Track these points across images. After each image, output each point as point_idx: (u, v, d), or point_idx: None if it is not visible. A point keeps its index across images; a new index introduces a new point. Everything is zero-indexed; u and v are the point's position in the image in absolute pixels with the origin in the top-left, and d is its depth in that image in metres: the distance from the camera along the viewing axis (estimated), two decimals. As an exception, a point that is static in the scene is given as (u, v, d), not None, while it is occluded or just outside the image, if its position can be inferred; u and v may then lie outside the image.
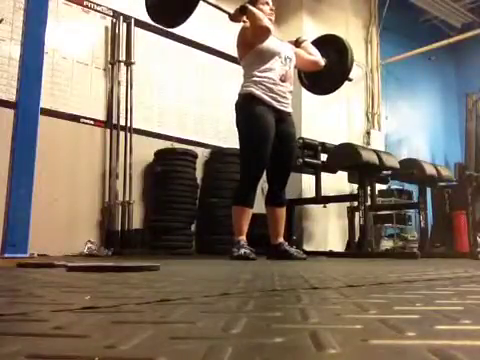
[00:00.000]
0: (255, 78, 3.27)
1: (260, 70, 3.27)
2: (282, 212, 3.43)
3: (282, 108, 3.32)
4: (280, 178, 3.44)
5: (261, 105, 3.23)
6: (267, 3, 3.41)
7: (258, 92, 3.24)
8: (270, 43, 3.31)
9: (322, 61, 3.59)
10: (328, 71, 3.68)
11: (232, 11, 3.29)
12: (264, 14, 3.29)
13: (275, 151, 3.30)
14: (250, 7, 3.22)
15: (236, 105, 3.34)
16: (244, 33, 3.31)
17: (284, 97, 3.33)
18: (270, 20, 3.34)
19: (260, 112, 3.22)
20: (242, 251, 3.11)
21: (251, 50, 3.29)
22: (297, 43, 3.64)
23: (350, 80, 3.92)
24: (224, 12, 3.36)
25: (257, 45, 3.27)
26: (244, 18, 3.26)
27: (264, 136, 3.23)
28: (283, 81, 3.32)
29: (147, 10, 3.35)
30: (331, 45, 3.83)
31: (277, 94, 3.29)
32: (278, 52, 3.32)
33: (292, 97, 3.45)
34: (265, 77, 3.26)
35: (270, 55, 3.29)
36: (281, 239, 3.39)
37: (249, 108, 3.25)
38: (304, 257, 3.28)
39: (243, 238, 3.21)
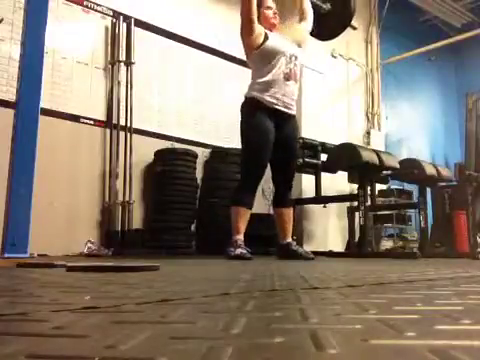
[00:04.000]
0: (259, 79, 3.31)
1: (264, 71, 3.31)
2: (289, 212, 3.50)
3: (285, 110, 3.35)
4: (284, 180, 3.50)
5: (262, 110, 3.27)
6: (270, 8, 3.51)
7: (261, 95, 3.28)
8: (275, 42, 3.35)
9: (308, 31, 3.68)
10: (332, 17, 3.74)
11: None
12: (267, 18, 3.44)
13: (278, 154, 3.35)
14: None
15: (241, 108, 3.40)
16: (241, 33, 3.35)
17: (288, 97, 3.35)
18: (274, 23, 3.47)
19: (260, 118, 3.27)
20: (238, 251, 3.15)
21: (255, 51, 3.33)
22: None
23: (354, 28, 3.96)
24: None
25: (252, 41, 3.30)
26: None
27: (262, 141, 3.28)
28: (287, 79, 3.34)
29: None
30: None
31: (281, 95, 3.31)
32: (283, 51, 3.35)
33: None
34: (269, 79, 3.29)
35: (274, 54, 3.32)
36: (289, 239, 3.44)
37: (250, 113, 3.32)
38: (312, 257, 3.31)
39: (240, 238, 3.25)
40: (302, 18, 3.67)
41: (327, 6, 3.72)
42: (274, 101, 3.29)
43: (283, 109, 3.33)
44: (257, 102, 3.28)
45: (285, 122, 3.37)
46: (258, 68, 3.35)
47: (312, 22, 3.66)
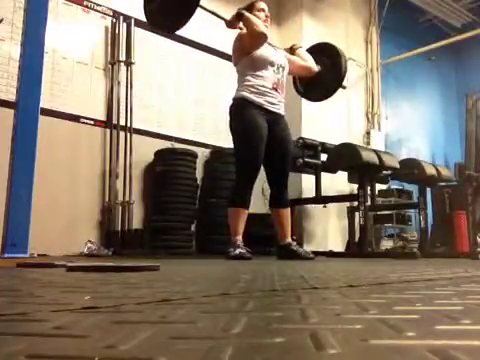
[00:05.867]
0: (247, 83, 3.32)
1: (253, 77, 3.32)
2: (286, 213, 3.47)
3: (274, 110, 3.36)
4: (279, 180, 3.47)
5: (253, 108, 3.28)
6: (263, 10, 3.47)
7: (250, 95, 3.29)
8: (264, 51, 3.35)
9: (315, 67, 3.65)
10: (322, 78, 3.72)
11: (228, 18, 3.33)
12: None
13: (272, 154, 3.36)
14: (246, 13, 3.26)
15: (230, 109, 3.40)
16: (240, 39, 3.35)
17: (276, 105, 3.38)
18: (265, 27, 3.38)
19: (252, 115, 3.28)
20: (237, 251, 3.15)
21: (245, 57, 3.33)
22: (291, 50, 3.69)
23: (344, 87, 3.94)
24: (221, 19, 3.37)
25: (253, 52, 3.31)
26: (240, 24, 3.30)
27: (256, 136, 3.28)
28: (275, 89, 3.36)
29: (147, 18, 3.37)
30: (325, 53, 3.86)
31: (269, 98, 3.34)
32: (271, 61, 3.36)
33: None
34: (257, 83, 3.31)
35: (263, 63, 3.33)
36: (289, 239, 3.42)
37: (242, 112, 3.31)
38: (312, 257, 3.30)
39: (239, 238, 3.25)
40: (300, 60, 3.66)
41: (317, 68, 3.71)
42: (263, 102, 3.31)
43: (273, 109, 3.35)
44: (247, 101, 3.29)
45: (275, 122, 3.38)
46: (246, 75, 3.35)
47: (310, 63, 3.64)
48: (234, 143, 3.37)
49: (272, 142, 3.34)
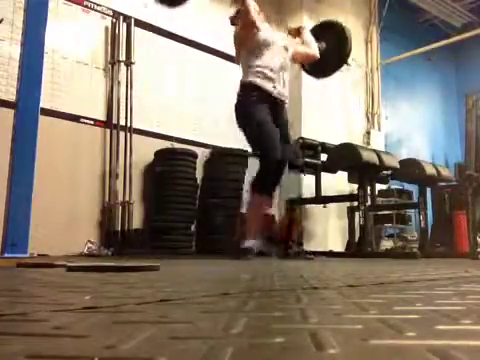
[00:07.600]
0: (253, 68, 3.34)
1: (258, 59, 3.35)
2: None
3: (279, 96, 3.38)
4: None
5: (258, 92, 3.29)
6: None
7: (257, 80, 3.31)
8: (265, 34, 3.41)
9: (317, 53, 3.67)
10: (327, 55, 3.74)
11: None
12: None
13: None
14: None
15: (239, 93, 3.39)
16: (238, 32, 3.43)
17: (282, 87, 3.41)
18: (257, 13, 3.44)
19: (257, 99, 3.28)
20: (251, 244, 3.12)
21: (249, 41, 3.37)
22: (297, 31, 3.72)
23: (348, 64, 3.95)
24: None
25: (249, 39, 3.35)
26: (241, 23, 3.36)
27: (263, 118, 3.26)
28: (283, 69, 3.40)
29: None
30: (330, 30, 3.89)
31: (277, 84, 3.36)
32: (274, 42, 3.42)
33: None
34: (263, 66, 3.34)
35: (266, 45, 3.38)
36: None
37: (248, 96, 3.31)
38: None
39: (252, 236, 3.20)
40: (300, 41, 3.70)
41: (322, 45, 3.74)
42: (272, 89, 3.33)
43: (277, 95, 3.37)
44: (256, 87, 3.30)
45: (279, 110, 3.41)
46: (251, 59, 3.37)
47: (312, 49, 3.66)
48: (244, 130, 3.32)
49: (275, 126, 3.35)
